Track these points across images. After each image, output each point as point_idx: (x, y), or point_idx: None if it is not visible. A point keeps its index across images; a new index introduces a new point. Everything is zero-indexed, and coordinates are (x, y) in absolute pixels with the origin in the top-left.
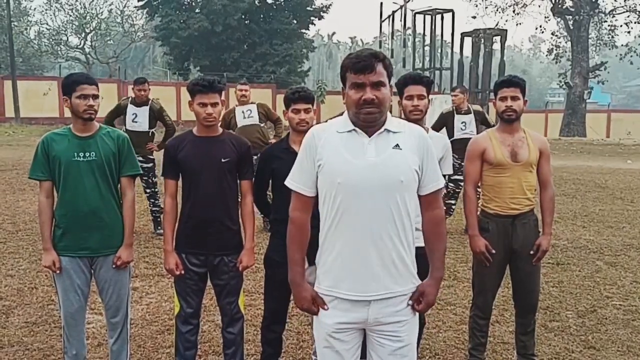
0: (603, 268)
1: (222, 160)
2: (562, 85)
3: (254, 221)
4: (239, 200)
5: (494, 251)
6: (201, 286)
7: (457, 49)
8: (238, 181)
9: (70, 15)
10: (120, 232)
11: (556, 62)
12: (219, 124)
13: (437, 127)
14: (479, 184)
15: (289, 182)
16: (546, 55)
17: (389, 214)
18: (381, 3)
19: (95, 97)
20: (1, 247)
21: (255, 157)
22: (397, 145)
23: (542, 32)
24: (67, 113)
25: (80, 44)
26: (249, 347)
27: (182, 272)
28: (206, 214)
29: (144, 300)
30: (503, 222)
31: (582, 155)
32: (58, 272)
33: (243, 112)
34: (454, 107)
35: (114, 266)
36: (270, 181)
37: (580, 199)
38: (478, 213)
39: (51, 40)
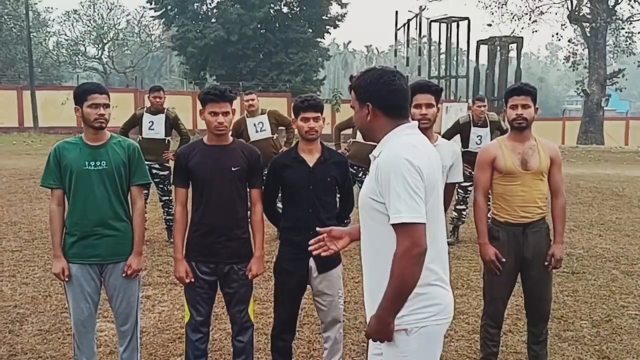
0: (619, 277)
1: (233, 169)
2: (580, 92)
3: (263, 230)
4: (249, 209)
5: (504, 259)
6: (211, 294)
7: (473, 56)
8: (248, 190)
9: (88, 26)
10: (130, 240)
11: (573, 70)
12: (229, 134)
13: (449, 136)
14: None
15: None
16: (563, 63)
17: (364, 235)
18: (396, 11)
19: (107, 106)
20: (17, 256)
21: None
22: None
23: (559, 39)
24: None
25: (97, 54)
26: (260, 355)
27: (192, 280)
28: (216, 222)
29: (156, 308)
30: (514, 230)
31: (600, 163)
32: (67, 280)
33: (255, 125)
34: (472, 117)
35: (124, 275)
36: (280, 190)
37: (597, 207)
38: (489, 221)
39: (69, 50)
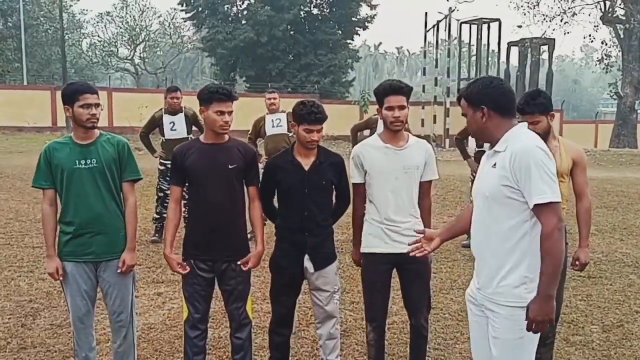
0: (636, 282)
1: (229, 167)
2: (613, 95)
3: (263, 225)
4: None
5: None
6: (209, 291)
7: (503, 58)
8: (245, 187)
9: (121, 28)
10: (123, 237)
11: (606, 72)
12: (253, 131)
13: (465, 135)
14: None
15: None
16: (596, 65)
17: (487, 223)
18: (426, 13)
19: (97, 105)
20: (37, 252)
21: None
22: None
23: (592, 41)
24: (116, 122)
25: (129, 55)
26: (263, 353)
27: (188, 270)
28: (213, 220)
29: (166, 305)
30: None
31: (631, 167)
32: (61, 278)
33: (272, 120)
34: None
35: (118, 271)
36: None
37: (622, 211)
38: None
39: (102, 52)
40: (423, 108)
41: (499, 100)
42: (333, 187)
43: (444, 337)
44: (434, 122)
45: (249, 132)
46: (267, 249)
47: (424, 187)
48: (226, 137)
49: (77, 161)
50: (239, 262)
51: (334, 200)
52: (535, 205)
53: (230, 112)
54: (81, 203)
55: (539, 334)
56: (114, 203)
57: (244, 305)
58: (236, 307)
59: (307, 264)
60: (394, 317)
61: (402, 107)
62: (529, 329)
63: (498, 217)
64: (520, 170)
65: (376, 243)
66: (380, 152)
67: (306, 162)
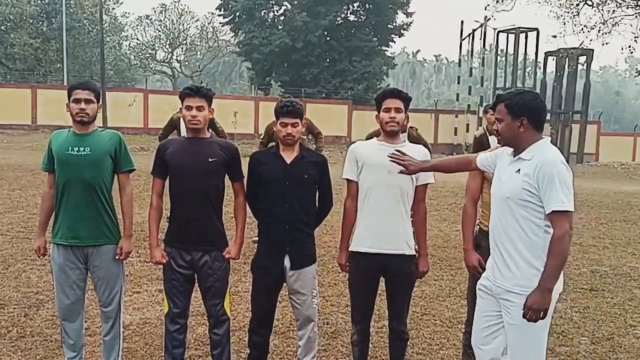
0: (638, 296)
1: (209, 160)
2: None
3: (244, 219)
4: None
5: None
6: (188, 288)
7: (541, 68)
8: (227, 182)
9: (159, 31)
10: (112, 225)
11: None
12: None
13: (475, 152)
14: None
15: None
16: (635, 77)
17: (506, 221)
18: (462, 21)
19: (88, 101)
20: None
21: None
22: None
23: (631, 52)
24: (151, 124)
25: (167, 58)
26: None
27: (167, 259)
28: (190, 211)
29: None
30: None
31: None
32: (43, 255)
33: None
34: (486, 128)
35: (117, 257)
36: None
37: None
38: (476, 229)
39: (140, 54)
40: (456, 117)
41: (537, 116)
42: (316, 187)
43: (429, 342)
44: (467, 130)
45: (261, 137)
46: (252, 252)
47: (420, 192)
48: (207, 134)
49: (70, 147)
50: (225, 254)
51: (317, 203)
52: (553, 212)
53: (199, 107)
54: (71, 188)
55: (550, 320)
56: (102, 191)
57: (222, 302)
58: (214, 304)
59: (287, 262)
60: (384, 322)
61: (398, 110)
62: (524, 315)
63: (517, 217)
64: (544, 179)
65: (365, 242)
66: (375, 147)
67: (289, 156)
